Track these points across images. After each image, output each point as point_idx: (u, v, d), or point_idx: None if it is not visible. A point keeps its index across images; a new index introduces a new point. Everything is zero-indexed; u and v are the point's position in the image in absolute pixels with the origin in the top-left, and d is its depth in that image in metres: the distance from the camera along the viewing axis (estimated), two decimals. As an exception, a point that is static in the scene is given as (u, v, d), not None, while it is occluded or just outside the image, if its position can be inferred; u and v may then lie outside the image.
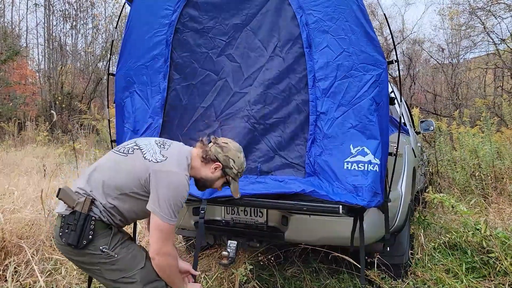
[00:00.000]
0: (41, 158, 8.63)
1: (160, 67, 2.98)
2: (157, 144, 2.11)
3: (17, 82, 17.58)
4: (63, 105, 17.38)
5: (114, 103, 3.24)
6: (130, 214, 2.04)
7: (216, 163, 2.16)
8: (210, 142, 2.22)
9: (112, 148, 2.77)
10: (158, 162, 1.99)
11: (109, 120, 3.49)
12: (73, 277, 3.28)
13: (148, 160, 1.99)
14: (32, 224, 3.89)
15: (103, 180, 1.99)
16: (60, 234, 1.91)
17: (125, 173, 2.00)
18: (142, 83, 3.06)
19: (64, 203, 1.93)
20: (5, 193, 4.58)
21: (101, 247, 1.92)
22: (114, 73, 3.24)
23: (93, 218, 1.90)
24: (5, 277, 3.19)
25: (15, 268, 3.28)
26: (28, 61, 20.89)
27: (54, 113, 5.80)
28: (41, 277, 3.12)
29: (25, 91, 18.16)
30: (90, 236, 1.89)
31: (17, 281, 3.18)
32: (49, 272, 3.37)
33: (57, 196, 1.98)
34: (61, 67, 18.85)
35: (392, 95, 2.56)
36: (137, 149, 2.07)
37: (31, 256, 3.37)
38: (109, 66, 3.69)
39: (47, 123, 13.61)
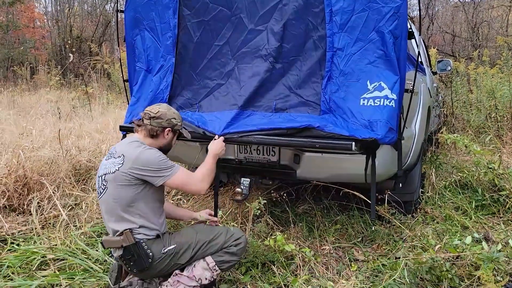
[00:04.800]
0: (55, 102, 8.70)
1: (169, 2, 2.88)
2: (108, 159, 2.29)
3: (26, 25, 17.33)
4: (73, 49, 17.19)
5: (124, 41, 3.19)
6: (151, 211, 2.26)
7: (166, 130, 2.39)
8: (141, 119, 2.40)
9: (125, 88, 2.83)
10: (122, 163, 2.19)
11: (120, 59, 3.46)
12: (94, 212, 3.43)
13: (117, 169, 2.19)
14: (51, 163, 4.00)
15: (113, 218, 2.23)
16: (129, 268, 2.22)
17: (116, 198, 2.20)
18: (151, 20, 2.98)
19: (114, 248, 2.23)
20: (23, 132, 4.68)
21: (161, 252, 2.21)
22: (123, 9, 3.15)
23: (140, 240, 2.18)
24: (30, 211, 3.35)
25: (38, 203, 3.43)
26: (35, 3, 20.42)
27: (72, 55, 5.74)
28: (64, 211, 3.27)
29: (34, 35, 17.93)
30: (149, 252, 2.18)
31: (41, 215, 3.35)
32: (70, 207, 3.53)
33: (104, 248, 2.53)
34: (69, 10, 18.41)
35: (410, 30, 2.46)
36: (104, 176, 2.25)
37: (53, 192, 3.51)
38: (117, 3, 3.59)
39: (59, 67, 13.55)
